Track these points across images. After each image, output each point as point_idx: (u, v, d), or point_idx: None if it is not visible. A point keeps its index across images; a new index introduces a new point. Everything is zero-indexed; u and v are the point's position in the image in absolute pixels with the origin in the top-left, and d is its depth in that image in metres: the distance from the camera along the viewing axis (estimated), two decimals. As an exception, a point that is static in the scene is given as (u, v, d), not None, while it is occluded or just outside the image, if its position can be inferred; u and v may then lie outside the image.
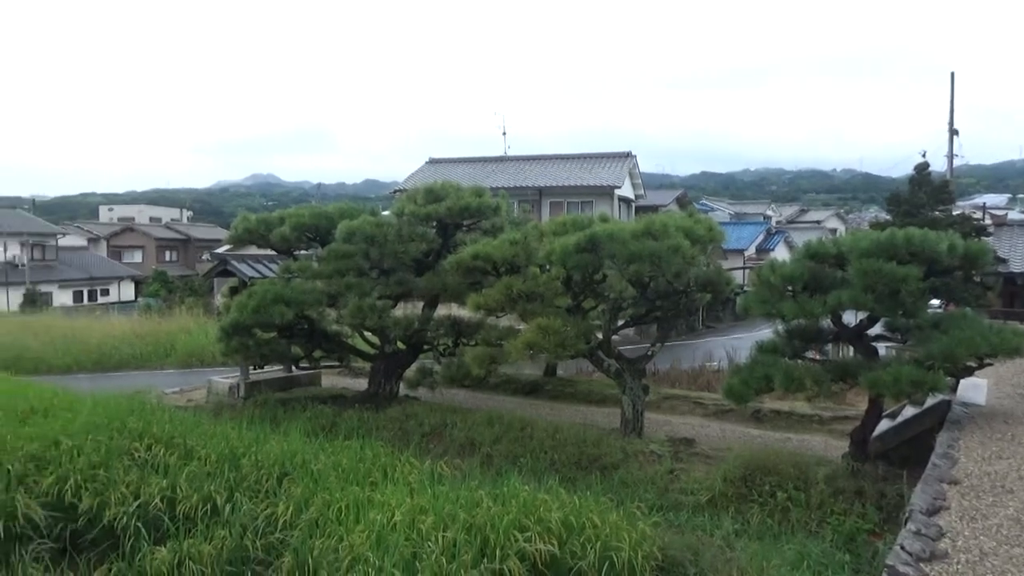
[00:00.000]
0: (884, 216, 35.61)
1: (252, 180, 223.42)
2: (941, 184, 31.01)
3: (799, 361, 8.38)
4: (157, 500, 6.43)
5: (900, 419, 8.74)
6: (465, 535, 5.42)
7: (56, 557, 6.03)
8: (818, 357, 8.75)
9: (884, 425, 8.64)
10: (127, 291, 51.17)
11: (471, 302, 10.51)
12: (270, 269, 15.76)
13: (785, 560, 6.14)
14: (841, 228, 57.69)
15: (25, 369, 17.56)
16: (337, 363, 14.34)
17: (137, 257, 59.56)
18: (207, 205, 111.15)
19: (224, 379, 14.44)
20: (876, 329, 8.55)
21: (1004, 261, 20.75)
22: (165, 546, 5.87)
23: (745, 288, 24.40)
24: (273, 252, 15.07)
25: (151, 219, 72.16)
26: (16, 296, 40.38)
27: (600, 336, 10.45)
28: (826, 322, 8.44)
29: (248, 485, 6.93)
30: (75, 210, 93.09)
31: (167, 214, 77.61)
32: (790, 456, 8.59)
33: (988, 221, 32.49)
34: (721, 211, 57.51)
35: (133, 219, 69.09)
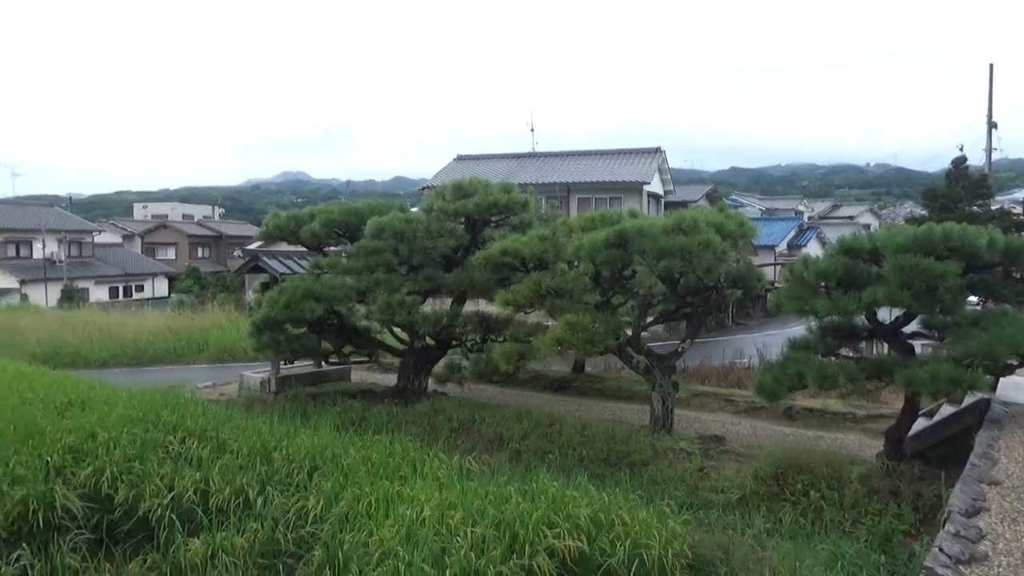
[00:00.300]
0: (919, 211, 34.93)
1: (282, 178, 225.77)
2: (979, 178, 30.28)
3: (832, 358, 8.24)
4: (191, 492, 6.50)
5: (937, 418, 8.56)
6: (494, 531, 5.41)
7: (93, 548, 6.12)
8: (852, 354, 8.59)
9: (920, 424, 8.47)
10: (161, 287, 52.07)
11: (499, 298, 10.51)
12: (300, 265, 15.89)
13: (818, 560, 6.03)
14: (875, 224, 56.66)
15: (63, 363, 17.97)
16: (366, 358, 14.44)
17: (170, 254, 60.59)
18: (238, 202, 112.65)
19: (255, 374, 14.62)
20: (912, 326, 8.39)
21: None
22: (199, 538, 5.93)
23: (776, 285, 24.15)
24: (303, 248, 15.22)
25: (184, 216, 73.33)
26: (54, 292, 41.29)
27: (629, 332, 10.38)
28: (860, 319, 8.28)
29: (279, 479, 6.98)
30: (110, 208, 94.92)
31: (199, 211, 78.82)
32: (823, 455, 8.46)
33: (1028, 216, 31.65)
34: (751, 207, 56.83)
35: (166, 216, 70.26)
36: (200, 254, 62.64)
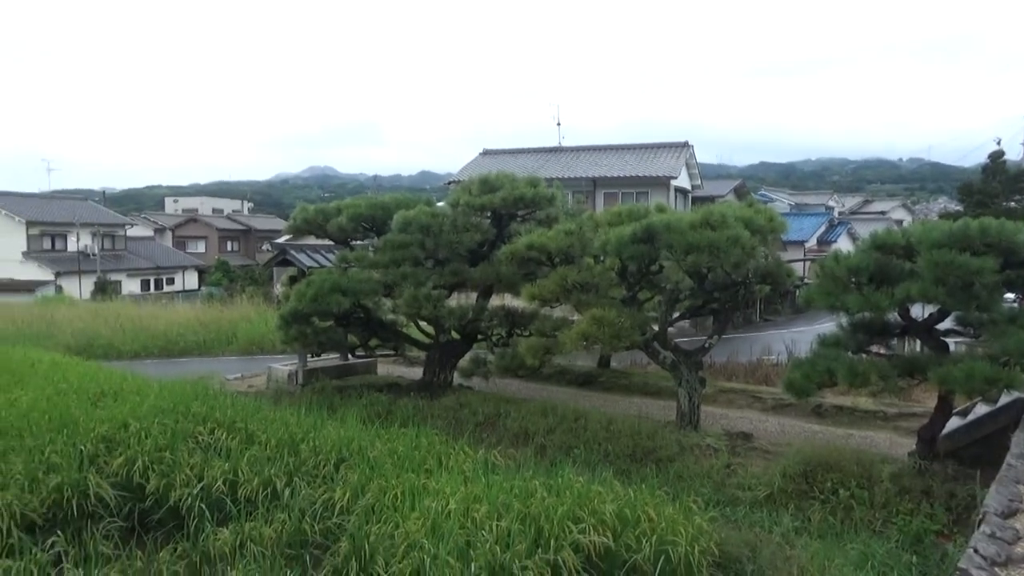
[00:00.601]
0: (954, 206, 34.26)
1: (310, 172, 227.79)
2: (1018, 173, 29.63)
3: (863, 355, 8.11)
4: (220, 483, 6.58)
5: (971, 417, 8.40)
6: (519, 525, 5.40)
7: (125, 535, 6.24)
8: (883, 352, 8.45)
9: (954, 423, 8.31)
10: (191, 280, 52.82)
11: (525, 292, 10.50)
12: (327, 259, 16.03)
13: (848, 560, 5.95)
14: (907, 219, 55.65)
15: (96, 354, 18.30)
16: (392, 352, 14.51)
17: (200, 247, 61.42)
18: (267, 197, 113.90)
19: (283, 366, 14.77)
20: (946, 323, 8.22)
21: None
22: (227, 528, 6.01)
23: (805, 280, 23.84)
24: (330, 242, 15.32)
25: (213, 210, 74.21)
26: (88, 284, 42.07)
27: (656, 328, 10.31)
28: (893, 315, 8.14)
29: (306, 470, 7.05)
30: (142, 202, 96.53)
31: (229, 205, 79.72)
32: (853, 453, 8.34)
33: (1067, 212, 30.86)
34: (781, 202, 56.07)
35: (196, 210, 71.14)
36: (229, 247, 63.42)
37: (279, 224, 59.43)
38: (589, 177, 31.19)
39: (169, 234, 61.61)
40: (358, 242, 14.32)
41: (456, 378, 13.06)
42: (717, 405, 12.05)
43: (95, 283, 41.84)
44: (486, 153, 36.28)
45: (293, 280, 14.56)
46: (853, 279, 7.90)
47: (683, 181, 32.35)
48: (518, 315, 12.27)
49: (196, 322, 23.19)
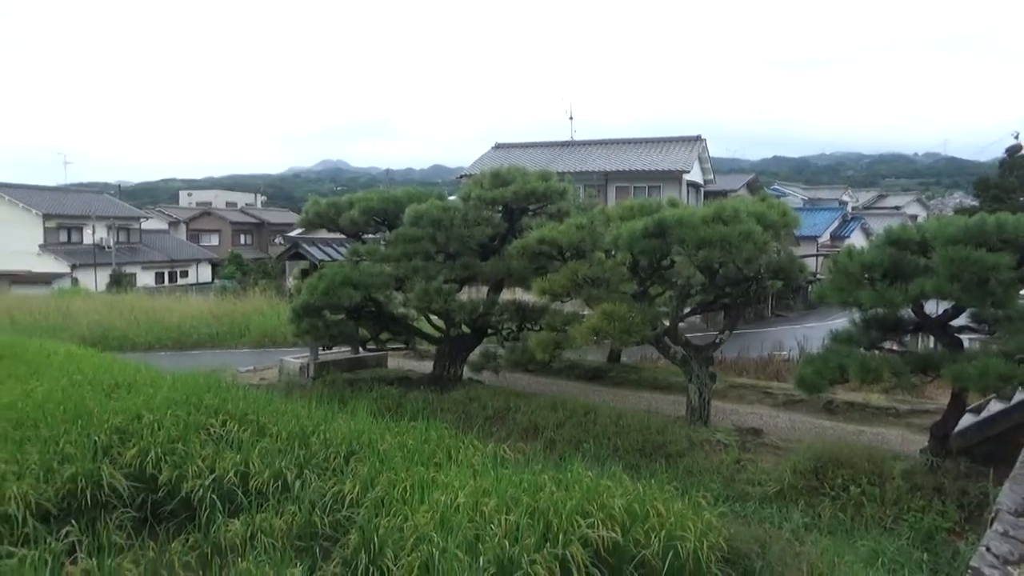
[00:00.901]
0: (970, 202, 33.91)
1: (322, 166, 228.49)
2: (1034, 168, 29.27)
3: (876, 352, 8.05)
4: (231, 474, 6.63)
5: (985, 414, 8.33)
6: (528, 519, 5.41)
7: (138, 526, 6.30)
8: (896, 348, 8.39)
9: (967, 420, 8.24)
10: (205, 273, 53.17)
11: (536, 287, 10.48)
12: (339, 252, 16.07)
13: (858, 556, 5.93)
14: (922, 214, 55.18)
15: (111, 346, 18.48)
16: (403, 345, 14.54)
17: (214, 240, 61.81)
18: (280, 190, 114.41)
19: (295, 359, 14.85)
20: (961, 320, 8.15)
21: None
22: (239, 519, 6.06)
23: (818, 276, 23.69)
24: (342, 236, 15.36)
25: (227, 204, 74.64)
26: (103, 277, 42.44)
27: (667, 323, 10.28)
28: (907, 312, 8.07)
29: (317, 462, 7.08)
30: (156, 195, 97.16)
31: (242, 199, 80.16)
32: (864, 449, 8.29)
33: (1086, 207, 30.50)
34: (794, 196, 55.70)
35: (210, 204, 71.60)
36: (242, 241, 63.78)
37: (292, 217, 59.72)
38: (601, 171, 31.13)
39: (183, 227, 62.02)
40: (370, 236, 14.35)
41: (466, 372, 13.08)
42: (727, 400, 12.00)
43: (110, 275, 42.20)
44: (498, 147, 36.25)
45: (305, 273, 14.60)
46: (867, 275, 7.84)
47: (695, 175, 32.21)
48: (528, 309, 12.27)
49: (209, 315, 23.35)
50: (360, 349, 14.96)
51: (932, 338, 9.22)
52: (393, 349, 15.07)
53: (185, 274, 51.87)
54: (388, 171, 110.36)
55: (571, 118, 51.87)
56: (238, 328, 21.92)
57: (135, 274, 45.89)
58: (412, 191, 14.04)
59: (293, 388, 12.55)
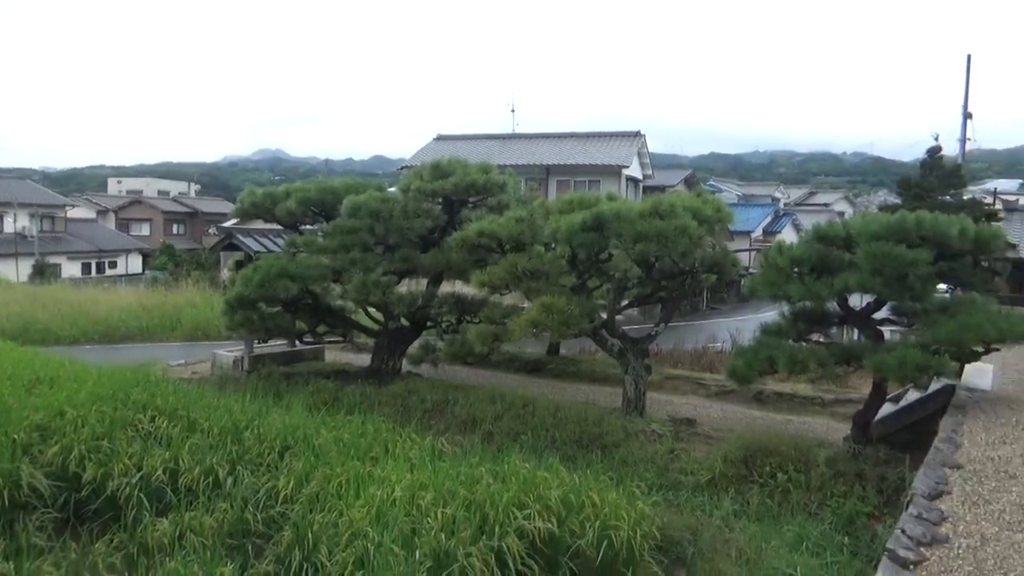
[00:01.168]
0: (894, 200, 35.28)
1: (260, 155, 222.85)
2: (953, 168, 30.64)
3: (803, 343, 8.34)
4: (159, 472, 6.46)
5: (903, 403, 8.72)
6: (464, 512, 5.43)
7: (60, 527, 6.08)
8: (822, 340, 8.71)
9: (887, 409, 8.62)
10: (135, 264, 51.33)
11: (475, 279, 10.48)
12: (275, 244, 15.75)
13: (784, 541, 6.15)
14: (849, 211, 57.26)
15: (32, 339, 17.66)
16: (341, 338, 14.37)
17: (145, 230, 59.66)
18: (215, 179, 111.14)
19: (229, 352, 14.51)
20: (882, 313, 8.50)
21: (1014, 246, 20.56)
22: (167, 518, 5.90)
23: (751, 270, 24.36)
24: (279, 227, 15.05)
25: (159, 192, 72.18)
26: (25, 267, 40.51)
27: (604, 315, 10.42)
28: (832, 305, 8.38)
29: (250, 458, 6.95)
30: (84, 182, 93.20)
31: (175, 187, 77.62)
32: (791, 438, 8.59)
33: (999, 206, 32.13)
34: (729, 192, 57.14)
35: (141, 192, 69.11)
36: (175, 231, 61.74)
37: (227, 207, 58.14)
38: (542, 165, 31.28)
39: (112, 216, 59.67)
40: (307, 227, 14.10)
41: (405, 365, 13.00)
42: (663, 392, 12.25)
43: (33, 266, 40.33)
44: (440, 138, 36.03)
45: (240, 265, 14.28)
46: (795, 269, 8.12)
47: (635, 170, 32.66)
48: (468, 302, 12.27)
49: (139, 307, 22.58)
50: (297, 342, 14.71)
51: (856, 330, 9.58)
52: (331, 342, 14.87)
53: (114, 265, 49.96)
54: (328, 161, 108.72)
55: (513, 111, 51.80)
56: (169, 321, 21.28)
57: (60, 265, 43.96)
58: (351, 182, 13.85)
59: (226, 382, 12.26)
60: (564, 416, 9.68)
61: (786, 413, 11.04)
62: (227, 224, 30.19)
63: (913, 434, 7.92)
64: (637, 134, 32.76)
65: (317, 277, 12.01)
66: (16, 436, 6.85)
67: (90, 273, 46.20)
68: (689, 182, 39.06)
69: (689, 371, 13.87)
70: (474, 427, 9.81)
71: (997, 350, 7.77)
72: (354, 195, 12.23)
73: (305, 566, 5.22)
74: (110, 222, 58.57)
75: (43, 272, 38.91)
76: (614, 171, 30.36)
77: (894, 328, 9.01)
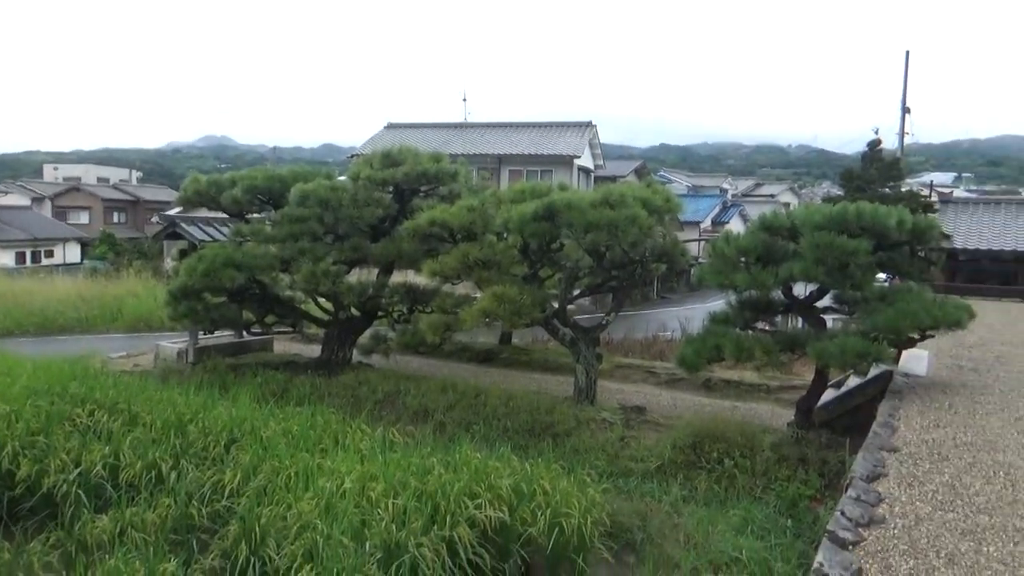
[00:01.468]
0: (836, 191, 36.31)
1: (205, 142, 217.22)
2: (892, 161, 31.66)
3: (750, 332, 8.51)
4: (99, 467, 6.29)
5: (844, 389, 8.97)
6: (415, 502, 5.41)
7: (-8, 526, 5.86)
8: (768, 328, 8.91)
9: (829, 395, 8.86)
10: (73, 253, 49.54)
11: (427, 269, 10.41)
12: (221, 232, 15.33)
13: (730, 525, 6.28)
14: (795, 202, 58.59)
15: (-38, 332, 16.94)
16: (290, 329, 14.12)
17: (84, 218, 57.61)
18: (158, 166, 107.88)
19: (172, 344, 14.13)
20: (825, 301, 8.73)
21: (948, 237, 21.31)
22: (107, 514, 5.73)
23: (700, 260, 24.77)
24: (225, 215, 14.69)
25: (99, 179, 69.77)
26: (-47, 256, 38.80)
27: (556, 305, 10.46)
28: (777, 293, 8.57)
29: (195, 452, 6.81)
30: (18, 168, 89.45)
31: (116, 175, 75.13)
32: (738, 424, 8.77)
33: (935, 198, 33.32)
34: (679, 183, 57.92)
35: (80, 179, 66.68)
36: (116, 219, 59.77)
37: (170, 195, 56.56)
38: (494, 154, 31.19)
39: (48, 204, 57.43)
40: (254, 216, 13.79)
41: (356, 355, 12.86)
42: (614, 380, 12.38)
43: (-39, 255, 38.63)
44: (391, 127, 35.62)
45: (183, 254, 13.86)
46: (742, 259, 8.27)
47: (586, 161, 32.83)
48: (419, 292, 12.18)
49: (78, 297, 21.84)
50: (244, 333, 14.40)
51: (800, 318, 9.82)
52: (279, 333, 14.61)
53: (51, 254, 48.15)
54: (276, 149, 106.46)
55: (465, 100, 51.84)
56: (110, 312, 20.64)
57: (-9, 254, 42.23)
58: (298, 170, 13.59)
59: (170, 374, 11.94)
60: (516, 405, 9.71)
61: (733, 400, 11.27)
62: (170, 212, 29.31)
63: (853, 419, 8.16)
64: (589, 124, 32.91)
65: (265, 267, 11.77)
66: (-56, 433, 6.58)
67: (25, 263, 44.48)
68: (640, 173, 39.42)
69: (640, 360, 14.04)
70: (426, 417, 9.76)
71: (932, 336, 8.06)
72: (303, 183, 11.99)
73: (253, 560, 5.13)
74: (46, 210, 56.38)
75: (-27, 262, 37.30)
76: (566, 161, 30.47)
77: (836, 316, 9.26)
